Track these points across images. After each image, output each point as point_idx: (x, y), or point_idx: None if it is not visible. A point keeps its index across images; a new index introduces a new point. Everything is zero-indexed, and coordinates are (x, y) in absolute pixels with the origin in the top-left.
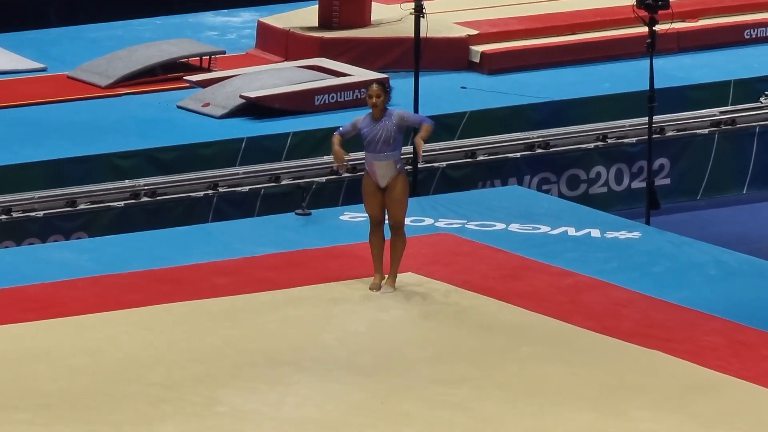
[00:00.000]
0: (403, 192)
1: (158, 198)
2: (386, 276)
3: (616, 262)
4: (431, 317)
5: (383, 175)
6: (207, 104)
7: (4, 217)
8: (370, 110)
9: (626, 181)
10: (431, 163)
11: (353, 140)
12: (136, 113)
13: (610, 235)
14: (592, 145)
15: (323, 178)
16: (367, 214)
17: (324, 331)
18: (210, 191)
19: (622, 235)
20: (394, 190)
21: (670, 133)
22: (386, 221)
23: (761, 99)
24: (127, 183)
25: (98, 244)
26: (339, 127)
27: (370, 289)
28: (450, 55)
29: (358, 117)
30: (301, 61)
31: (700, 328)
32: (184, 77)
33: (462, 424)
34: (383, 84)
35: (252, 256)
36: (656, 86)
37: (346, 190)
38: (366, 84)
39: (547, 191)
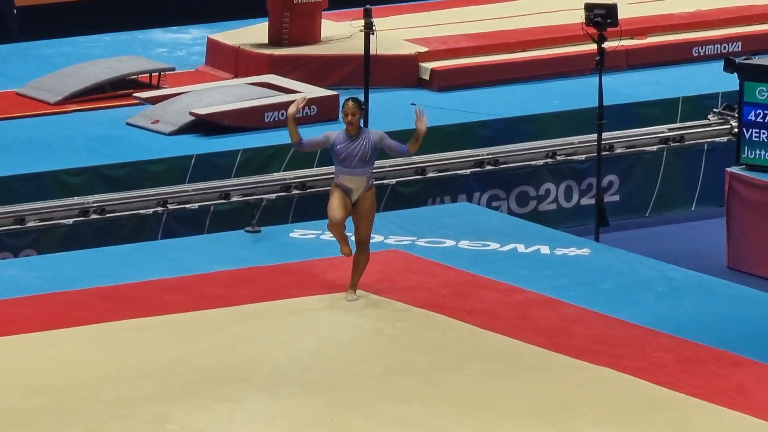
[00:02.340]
0: (371, 207)
1: (107, 215)
2: (349, 289)
3: (566, 278)
4: (382, 334)
5: (355, 189)
6: (156, 121)
7: None
8: (345, 127)
9: (575, 197)
10: (381, 180)
11: (306, 155)
12: (86, 130)
13: (559, 251)
14: (541, 162)
15: (273, 195)
16: (328, 219)
17: (274, 348)
18: (159, 208)
19: (572, 251)
20: (364, 205)
21: (619, 150)
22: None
23: (709, 116)
24: (76, 200)
25: (47, 261)
26: (304, 140)
27: (346, 255)
28: (400, 71)
29: (331, 132)
30: (251, 78)
31: (649, 345)
32: (134, 94)
33: None
34: (358, 101)
35: (202, 273)
36: (605, 103)
37: (296, 207)
38: (316, 101)
39: (496, 208)
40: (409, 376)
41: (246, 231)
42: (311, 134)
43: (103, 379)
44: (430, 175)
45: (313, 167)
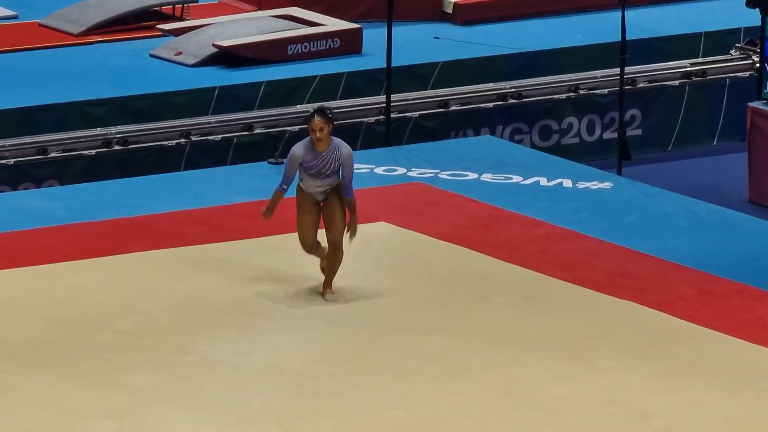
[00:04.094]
0: (341, 201)
1: (130, 146)
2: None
3: (588, 212)
4: (403, 267)
5: (324, 191)
6: (179, 53)
7: None
8: (310, 138)
9: (598, 131)
10: (404, 113)
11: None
12: (109, 61)
13: (581, 185)
14: (564, 96)
15: (296, 127)
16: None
17: (295, 280)
18: (182, 140)
19: (594, 185)
20: (333, 198)
21: (641, 85)
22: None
23: (731, 51)
24: (98, 131)
25: (69, 192)
26: (282, 183)
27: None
28: (423, 5)
29: (296, 150)
30: (274, 10)
31: (671, 279)
32: (157, 26)
33: (432, 373)
34: (325, 113)
35: (224, 205)
36: (628, 38)
37: None
38: (339, 33)
39: (519, 142)
40: (431, 308)
41: (269, 163)
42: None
43: (124, 310)
44: (453, 108)
45: (336, 99)
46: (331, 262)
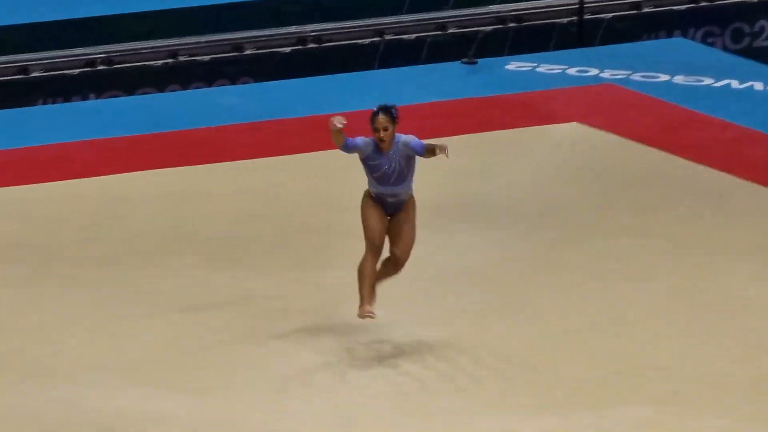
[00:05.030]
0: (414, 212)
1: (324, 45)
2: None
3: None
4: (593, 167)
5: (392, 202)
6: None
7: (170, 60)
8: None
9: None
10: (597, 14)
11: None
12: None
13: None
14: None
15: (489, 28)
16: (364, 235)
17: (486, 181)
18: (376, 39)
19: None
20: (406, 210)
21: None
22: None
23: None
24: (293, 29)
25: (263, 89)
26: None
27: (360, 316)
28: None
29: (365, 142)
30: None
31: None
32: None
33: (622, 274)
34: (390, 111)
35: (416, 104)
36: None
37: (512, 40)
38: None
39: (711, 44)
40: (621, 210)
41: (462, 62)
42: None
43: (317, 207)
44: (646, 10)
45: (528, 0)
46: (385, 271)
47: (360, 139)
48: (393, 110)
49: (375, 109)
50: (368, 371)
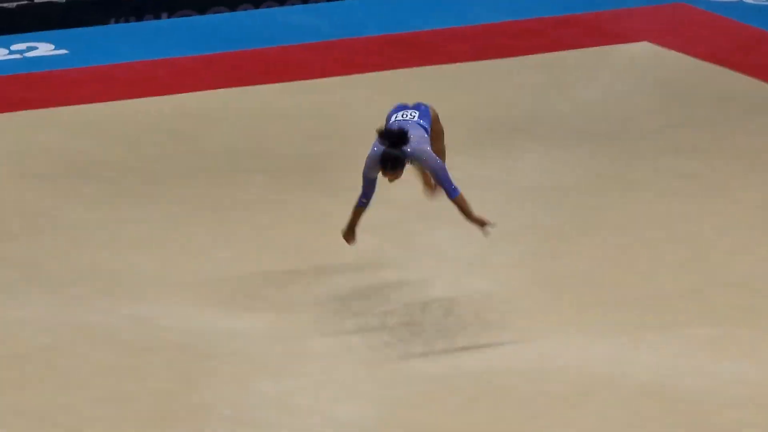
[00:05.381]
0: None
1: None
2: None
3: None
4: (665, 87)
5: None
6: None
7: None
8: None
9: None
10: None
11: None
12: None
13: None
14: None
15: None
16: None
17: (558, 99)
18: None
19: None
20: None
21: None
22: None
23: None
24: None
25: (336, 7)
26: (361, 196)
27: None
28: None
29: (370, 162)
30: None
31: None
32: None
33: (695, 192)
34: (399, 163)
35: (490, 23)
36: None
37: None
38: None
39: None
40: (692, 129)
41: None
42: None
43: None
44: None
45: None
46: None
47: (366, 183)
48: (402, 158)
49: (381, 155)
50: (445, 285)
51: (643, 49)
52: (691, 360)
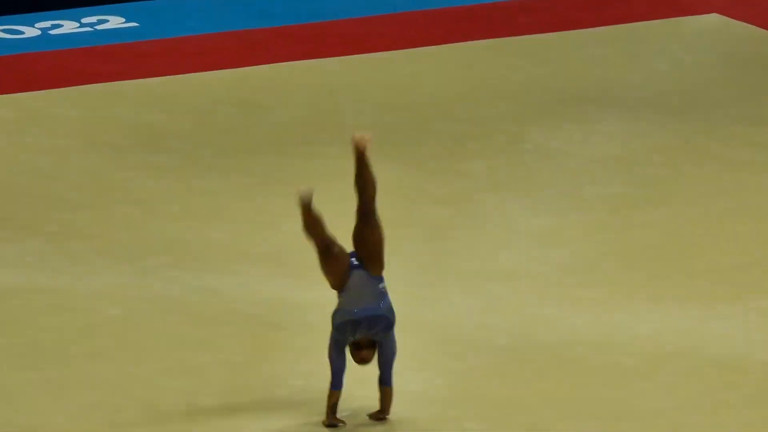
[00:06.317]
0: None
1: None
2: None
3: None
4: (734, 58)
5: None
6: None
7: None
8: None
9: None
10: None
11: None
12: None
13: None
14: None
15: None
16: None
17: (630, 71)
18: None
19: None
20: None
21: None
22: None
23: None
24: None
25: None
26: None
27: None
28: None
29: (337, 337)
30: None
31: None
32: None
33: (763, 163)
34: (372, 345)
35: None
36: None
37: None
38: None
39: None
40: (763, 100)
41: None
42: None
43: (460, 98)
44: None
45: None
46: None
47: (335, 360)
48: (377, 337)
49: (354, 337)
50: (516, 256)
51: (712, 20)
52: (762, 331)
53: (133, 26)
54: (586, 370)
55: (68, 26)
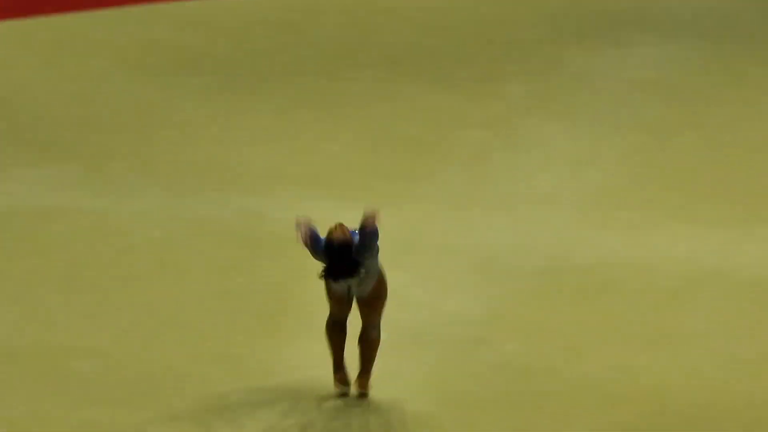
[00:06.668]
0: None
1: None
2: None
3: None
4: None
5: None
6: None
7: None
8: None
9: None
10: None
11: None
12: None
13: None
14: None
15: None
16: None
17: (661, 8)
18: None
19: None
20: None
21: None
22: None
23: None
24: None
25: None
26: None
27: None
28: None
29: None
30: None
31: None
32: None
33: None
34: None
35: None
36: None
37: None
38: None
39: None
40: None
41: None
42: None
43: (498, 20)
44: None
45: None
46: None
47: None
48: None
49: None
50: (553, 178)
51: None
52: None
53: None
54: (623, 293)
55: None
